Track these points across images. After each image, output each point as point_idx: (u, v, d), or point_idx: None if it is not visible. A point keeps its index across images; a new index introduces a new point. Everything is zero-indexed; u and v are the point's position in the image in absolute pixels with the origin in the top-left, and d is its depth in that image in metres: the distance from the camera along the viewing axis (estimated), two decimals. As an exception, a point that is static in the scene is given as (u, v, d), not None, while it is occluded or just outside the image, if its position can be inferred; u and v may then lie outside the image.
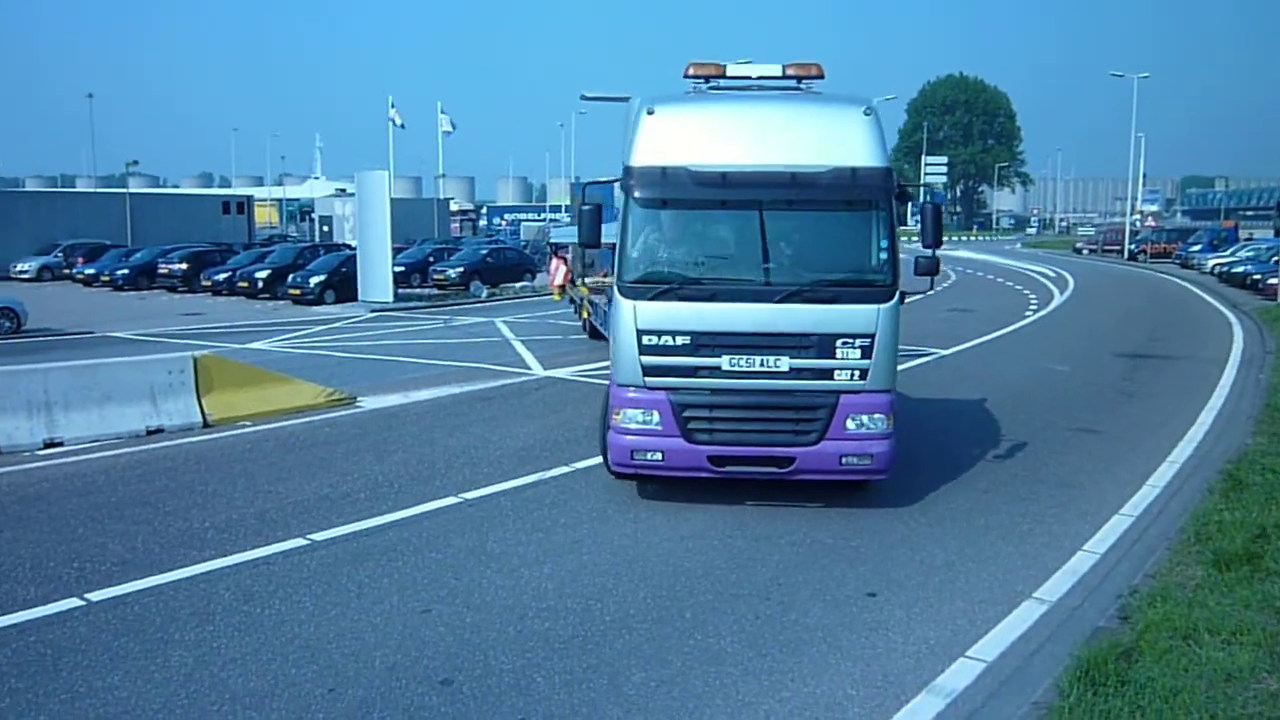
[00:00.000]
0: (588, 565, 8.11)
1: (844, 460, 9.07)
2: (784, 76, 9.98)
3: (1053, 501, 10.00)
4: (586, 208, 9.59)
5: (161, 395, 12.96)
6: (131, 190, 58.57)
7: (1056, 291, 38.13)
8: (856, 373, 8.94)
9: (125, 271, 39.62)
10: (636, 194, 9.08)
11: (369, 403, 14.98)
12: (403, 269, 35.65)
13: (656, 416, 9.09)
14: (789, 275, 9.06)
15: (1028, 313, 29.73)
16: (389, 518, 9.36)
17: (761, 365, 8.96)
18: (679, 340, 8.97)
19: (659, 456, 9.15)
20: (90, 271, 41.33)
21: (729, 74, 9.95)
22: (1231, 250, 47.36)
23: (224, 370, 13.91)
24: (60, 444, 12.04)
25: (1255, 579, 7.47)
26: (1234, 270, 39.76)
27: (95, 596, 7.43)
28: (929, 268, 9.62)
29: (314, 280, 32.52)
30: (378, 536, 8.83)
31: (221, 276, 35.90)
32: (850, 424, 9.00)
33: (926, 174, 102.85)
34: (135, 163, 68.45)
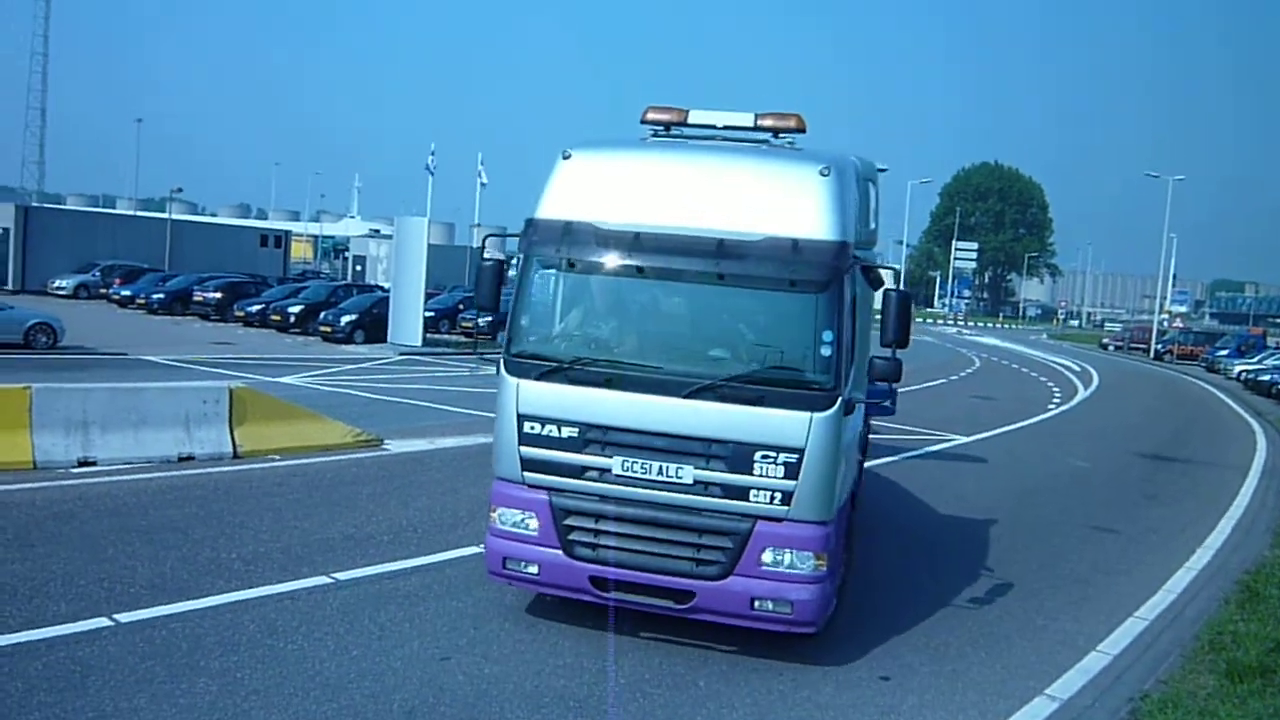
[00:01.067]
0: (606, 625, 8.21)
1: (756, 604, 7.28)
2: (755, 127, 8.38)
3: (1068, 598, 10.04)
4: (487, 262, 8.23)
5: (195, 423, 13.20)
6: (174, 216, 59.53)
7: (1080, 386, 38.11)
8: (778, 495, 7.12)
9: (161, 296, 40.21)
10: (533, 251, 7.72)
11: (395, 446, 15.18)
12: (433, 314, 36.05)
13: (534, 521, 7.58)
14: (705, 366, 7.45)
15: (1050, 405, 29.73)
16: (412, 562, 9.50)
17: (660, 473, 7.28)
18: (565, 432, 7.45)
19: (534, 570, 7.65)
20: (126, 293, 41.95)
21: (690, 121, 8.39)
22: (1259, 357, 47.30)
23: (257, 403, 14.17)
24: (94, 463, 12.27)
25: (1268, 692, 7.50)
26: (1260, 378, 39.69)
27: (124, 618, 7.59)
28: (886, 371, 7.58)
29: (345, 319, 32.97)
30: (400, 580, 8.98)
31: (255, 308, 36.43)
32: (767, 559, 7.20)
33: (956, 259, 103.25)
34: (180, 189, 69.57)
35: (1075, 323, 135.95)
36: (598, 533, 7.46)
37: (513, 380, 7.62)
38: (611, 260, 7.55)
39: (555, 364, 7.53)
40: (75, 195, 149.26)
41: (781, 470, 7.12)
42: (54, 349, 24.85)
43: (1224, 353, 54.46)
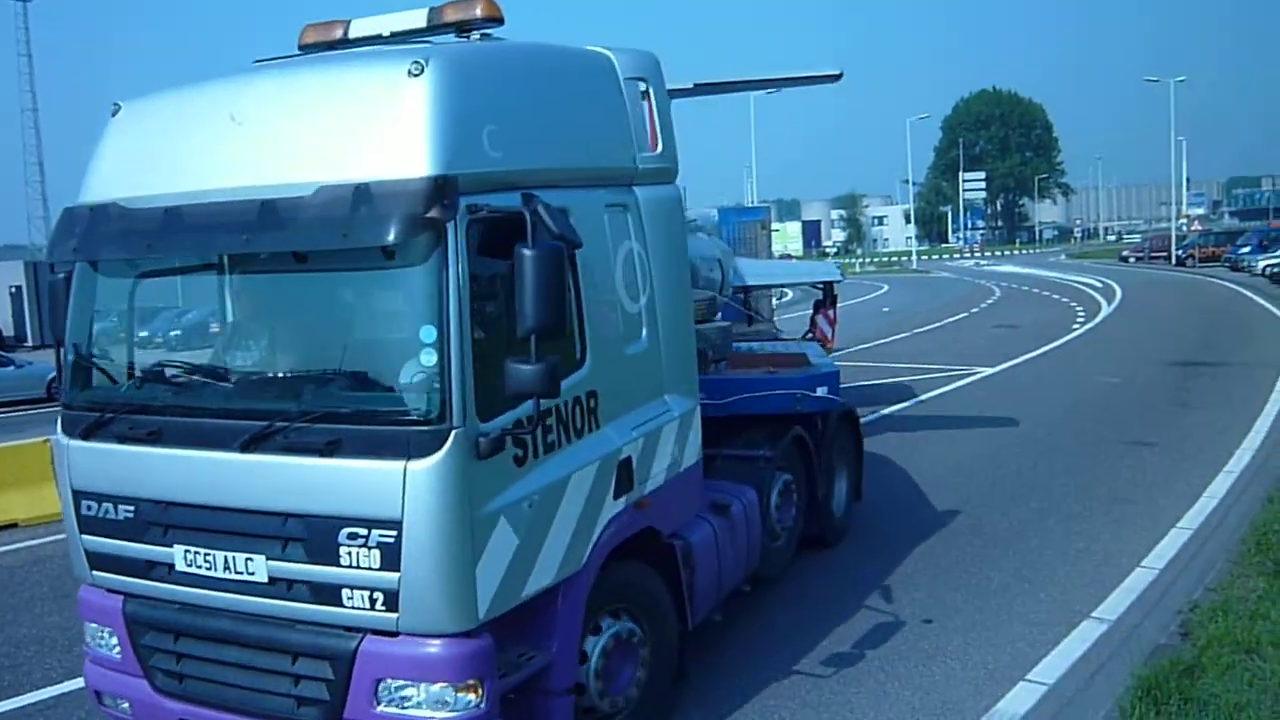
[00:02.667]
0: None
1: None
2: (431, 27, 5.68)
3: (1108, 518, 9.90)
4: (55, 278, 5.65)
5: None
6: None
7: (1104, 302, 37.69)
8: (378, 597, 4.61)
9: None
10: (54, 253, 5.44)
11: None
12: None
13: (115, 639, 5.41)
14: (268, 399, 5.06)
15: (1075, 325, 29.42)
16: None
17: (228, 567, 4.91)
18: (122, 511, 5.20)
19: (126, 707, 5.44)
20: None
21: (353, 35, 5.96)
22: (1282, 250, 46.57)
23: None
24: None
25: (1319, 588, 7.36)
26: (1285, 270, 39.09)
27: None
28: (521, 382, 4.55)
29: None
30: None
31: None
32: (382, 695, 4.72)
33: (965, 190, 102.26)
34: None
35: (1098, 239, 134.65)
36: (179, 656, 5.19)
37: (62, 441, 5.44)
38: (140, 252, 5.18)
39: (100, 413, 5.28)
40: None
41: (376, 557, 4.58)
42: (78, 398, 25.03)
43: (1246, 250, 53.48)
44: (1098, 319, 31.56)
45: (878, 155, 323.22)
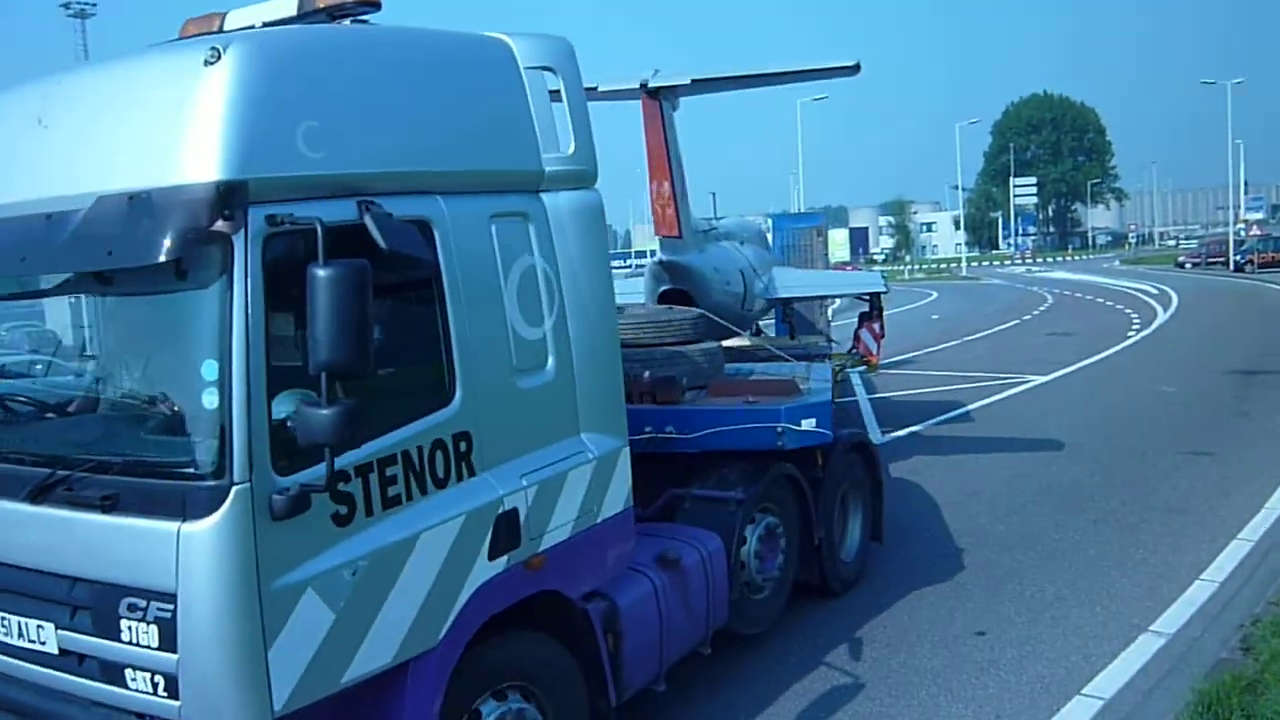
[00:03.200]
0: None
1: None
2: (301, 15, 4.89)
3: (1166, 529, 9.71)
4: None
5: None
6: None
7: (1159, 309, 37.02)
8: (160, 682, 3.88)
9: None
10: None
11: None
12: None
13: None
14: (60, 441, 4.54)
15: (1130, 333, 28.92)
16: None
17: (21, 633, 4.29)
18: None
19: None
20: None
21: (229, 28, 5.05)
22: (1344, 255, 45.47)
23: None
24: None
25: (1387, 603, 7.17)
26: (1348, 276, 38.17)
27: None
28: (311, 428, 3.77)
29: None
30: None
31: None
32: None
33: (1015, 196, 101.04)
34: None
35: (1153, 245, 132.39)
36: None
37: None
38: None
39: None
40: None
41: (154, 634, 3.85)
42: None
43: (1307, 254, 52.43)
44: (1153, 326, 31.01)
45: (926, 161, 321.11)
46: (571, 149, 5.41)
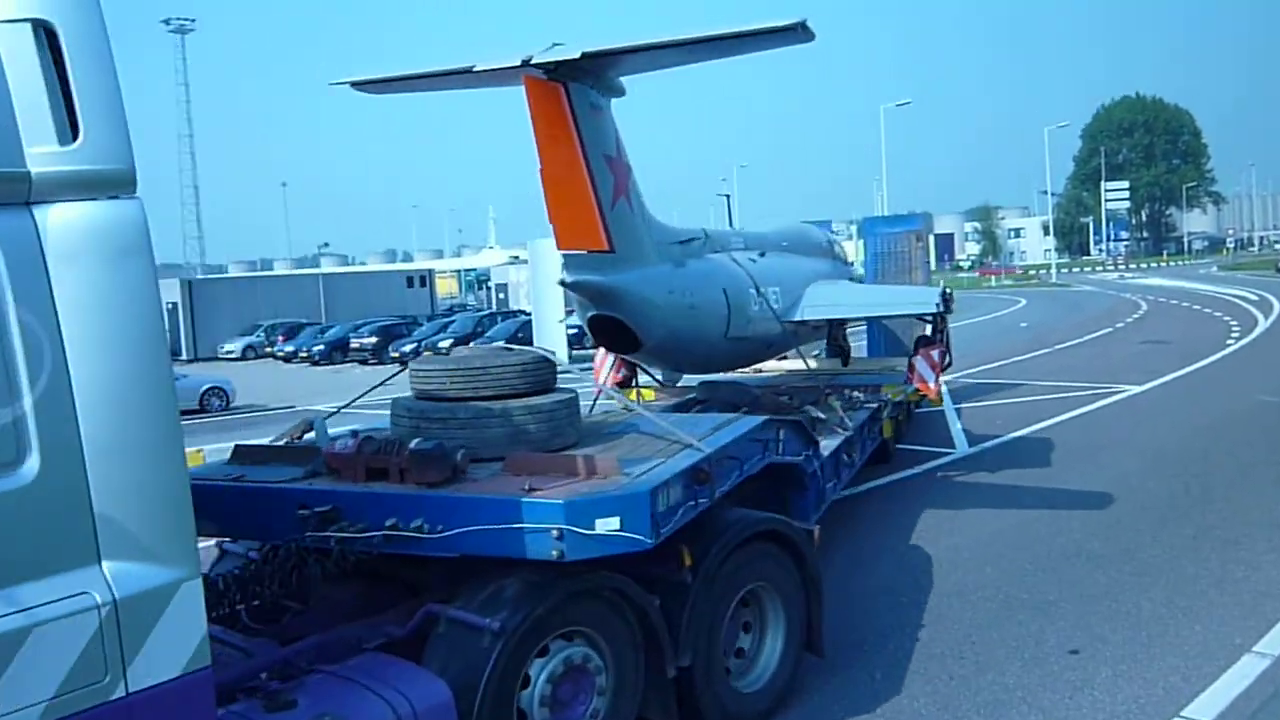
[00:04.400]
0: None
1: None
2: None
3: (1269, 545, 9.33)
4: None
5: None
6: (324, 270, 62.37)
7: (1260, 316, 35.76)
8: None
9: (321, 347, 42.16)
10: None
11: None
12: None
13: None
14: None
15: (1229, 341, 27.98)
16: None
17: None
18: None
19: None
20: (290, 349, 44.28)
21: None
22: None
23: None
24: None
25: None
26: None
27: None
28: None
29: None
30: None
31: (408, 347, 37.65)
32: None
33: (1107, 200, 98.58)
34: (326, 245, 72.99)
35: (1253, 249, 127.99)
36: None
37: None
38: None
39: None
40: (235, 262, 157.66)
41: None
42: (227, 410, 26.26)
43: None
44: (1254, 334, 29.97)
45: (1013, 165, 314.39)
46: (80, 139, 3.61)
